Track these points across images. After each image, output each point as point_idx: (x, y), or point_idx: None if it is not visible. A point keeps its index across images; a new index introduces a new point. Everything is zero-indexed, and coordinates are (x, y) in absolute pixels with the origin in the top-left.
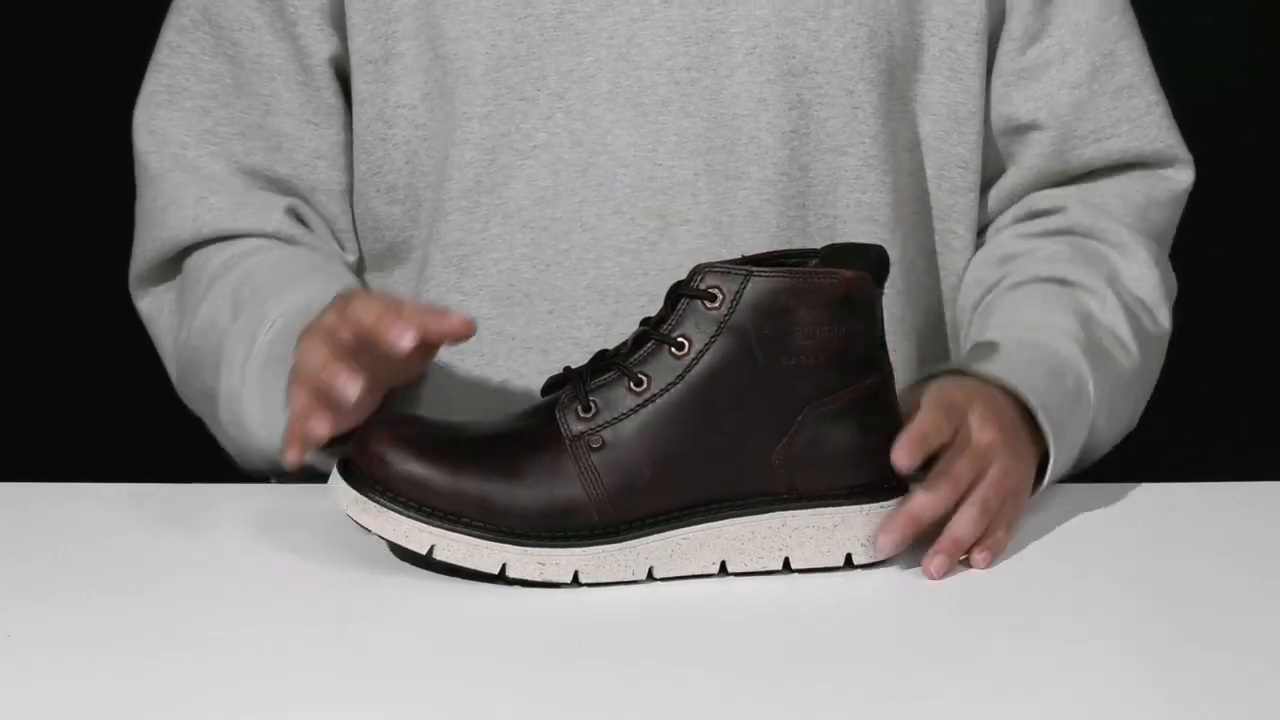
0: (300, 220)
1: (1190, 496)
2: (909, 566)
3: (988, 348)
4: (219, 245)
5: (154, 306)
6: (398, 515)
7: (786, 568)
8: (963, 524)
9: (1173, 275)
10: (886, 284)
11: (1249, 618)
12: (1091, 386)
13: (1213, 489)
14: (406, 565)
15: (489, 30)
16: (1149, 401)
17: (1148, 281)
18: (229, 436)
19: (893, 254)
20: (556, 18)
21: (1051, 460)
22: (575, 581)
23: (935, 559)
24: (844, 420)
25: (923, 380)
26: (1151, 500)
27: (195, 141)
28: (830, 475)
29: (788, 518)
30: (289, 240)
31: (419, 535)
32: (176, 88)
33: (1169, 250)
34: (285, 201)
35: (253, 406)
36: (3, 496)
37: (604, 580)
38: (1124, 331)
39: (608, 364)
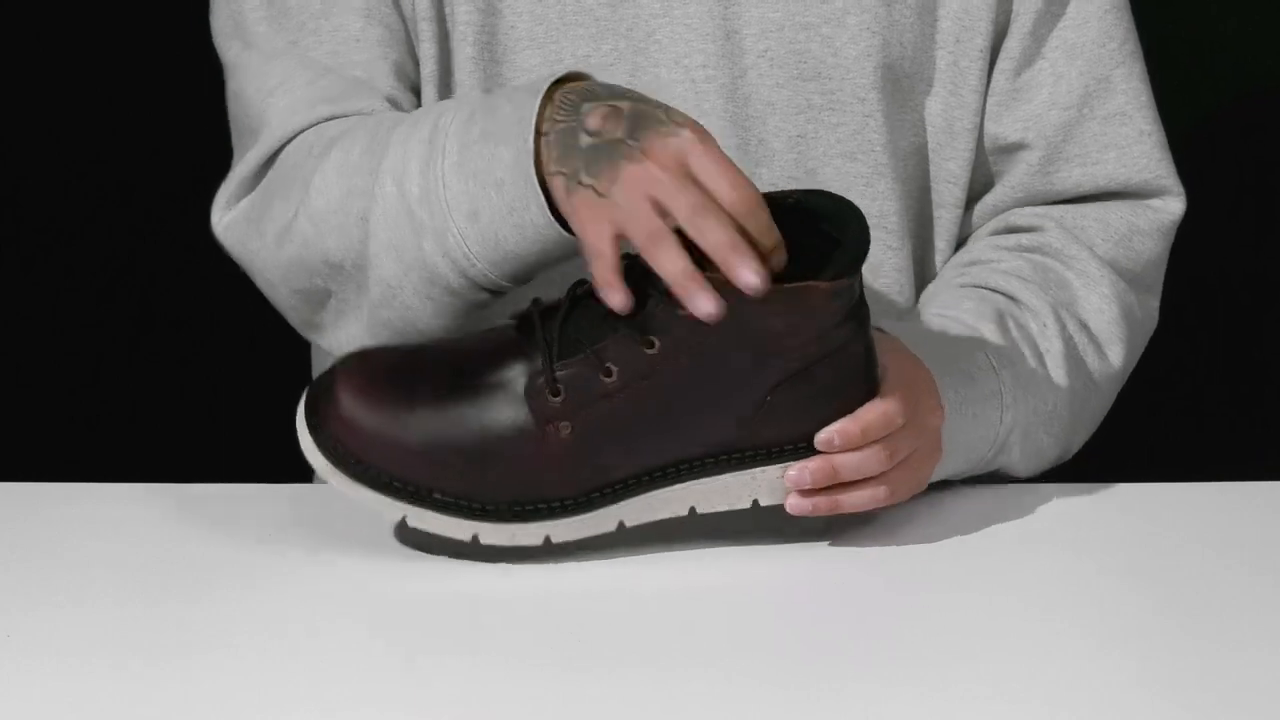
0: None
1: (1190, 496)
2: (909, 568)
3: (917, 330)
4: (336, 122)
5: (235, 222)
6: (370, 491)
7: (755, 507)
8: (858, 499)
9: (1152, 314)
10: (895, 291)
11: (1249, 618)
12: (1001, 409)
13: (1212, 489)
14: (405, 566)
15: (509, 11)
16: (1154, 403)
17: (1104, 316)
18: (380, 280)
19: (900, 262)
20: (577, 3)
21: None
22: (547, 544)
23: (805, 504)
24: (817, 383)
25: (884, 335)
26: (1151, 500)
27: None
28: (802, 431)
29: (756, 473)
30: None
31: (391, 508)
32: (258, 24)
33: (1159, 286)
34: (392, 95)
35: (456, 196)
36: (3, 496)
37: (574, 539)
38: (1059, 363)
39: (576, 344)
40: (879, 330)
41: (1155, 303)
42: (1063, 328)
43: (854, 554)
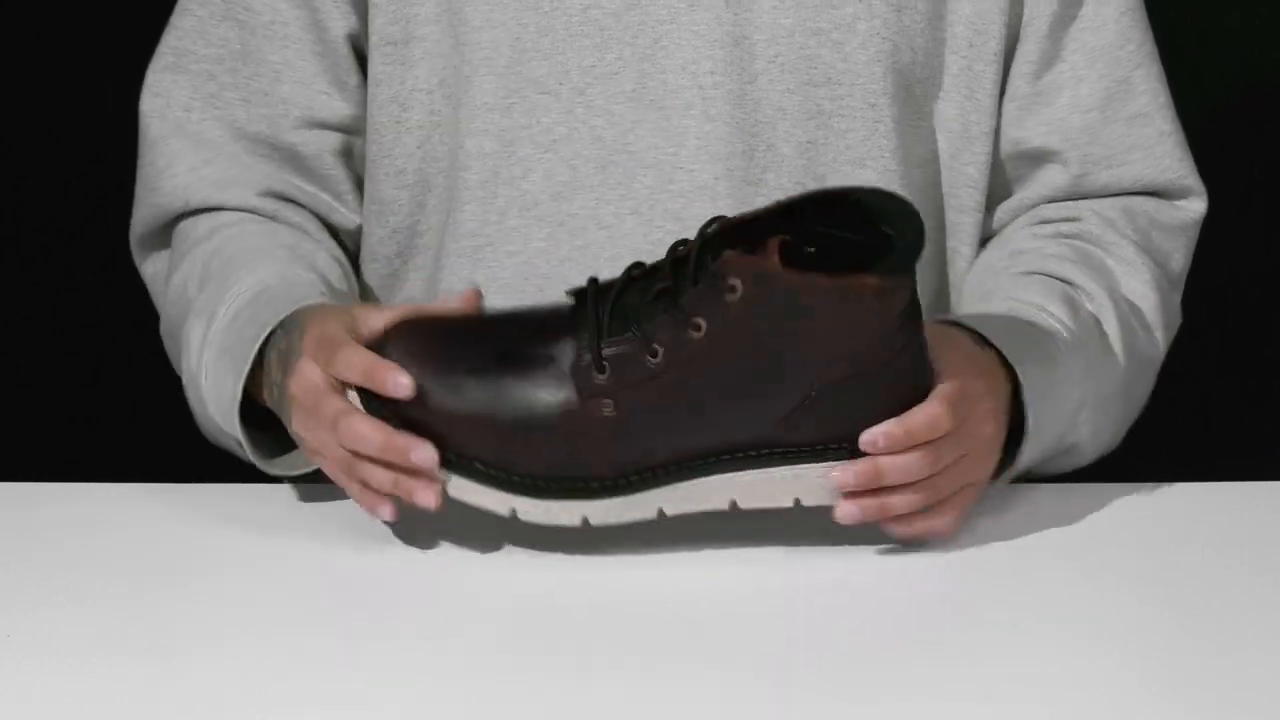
0: (288, 199)
1: (1190, 496)
2: (908, 568)
3: (994, 318)
4: (207, 214)
5: (155, 270)
6: None
7: (798, 505)
8: (903, 502)
9: (1177, 310)
10: None
11: (1250, 618)
12: (1077, 387)
13: (1212, 489)
14: (406, 566)
15: (514, 22)
16: (1161, 401)
17: (1148, 301)
18: (197, 410)
19: None
20: (582, 12)
21: (1024, 453)
22: (585, 526)
23: (853, 508)
24: (861, 389)
25: (950, 332)
26: (1152, 500)
27: (200, 105)
28: (846, 431)
29: (800, 470)
30: (271, 216)
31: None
32: (183, 50)
33: (1181, 283)
34: (280, 175)
35: (209, 393)
36: (3, 496)
37: (614, 522)
38: (1117, 344)
39: (625, 323)
40: (948, 324)
41: (1178, 299)
42: (1117, 308)
43: (853, 553)
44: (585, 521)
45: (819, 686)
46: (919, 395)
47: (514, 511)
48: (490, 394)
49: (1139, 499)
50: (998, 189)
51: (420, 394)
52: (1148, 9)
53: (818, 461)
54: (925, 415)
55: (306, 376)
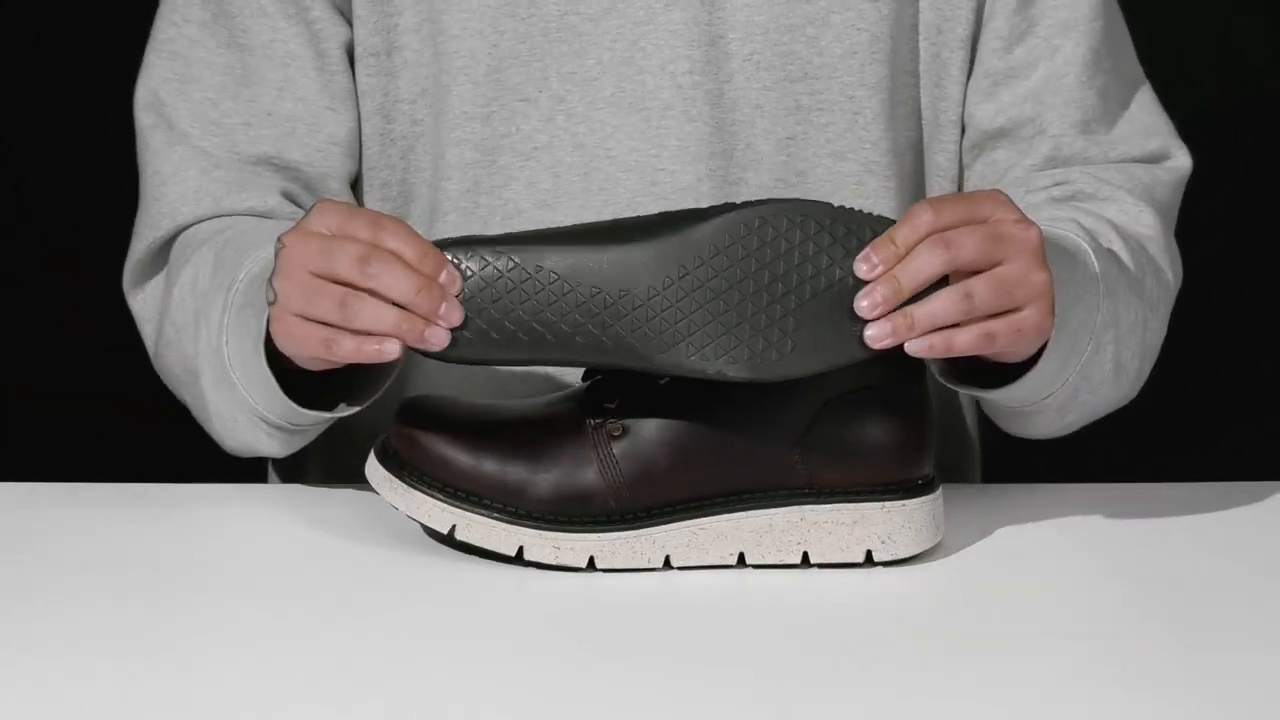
0: (297, 204)
1: (1190, 496)
2: (908, 568)
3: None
4: (214, 220)
5: (146, 301)
6: (422, 495)
7: (805, 562)
8: (936, 304)
9: (1179, 263)
10: None
11: (1250, 619)
12: (1100, 280)
13: (1212, 489)
14: (408, 564)
15: (491, 30)
16: (1154, 400)
17: (1155, 244)
18: (217, 412)
19: None
20: (560, 19)
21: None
22: (591, 566)
23: (882, 326)
24: (866, 416)
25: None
26: (1151, 500)
27: (199, 132)
28: (851, 471)
29: (806, 512)
30: (285, 218)
31: (440, 515)
32: (188, 78)
33: (1172, 231)
34: (287, 186)
35: (233, 354)
36: (3, 496)
37: (620, 566)
38: (1131, 272)
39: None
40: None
41: (1176, 250)
42: (1126, 242)
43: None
44: (591, 562)
45: (819, 686)
46: (923, 429)
47: (521, 550)
48: (499, 426)
49: (1139, 499)
50: (976, 183)
51: (427, 440)
52: (1149, 12)
53: (824, 503)
54: (903, 219)
55: (326, 209)
